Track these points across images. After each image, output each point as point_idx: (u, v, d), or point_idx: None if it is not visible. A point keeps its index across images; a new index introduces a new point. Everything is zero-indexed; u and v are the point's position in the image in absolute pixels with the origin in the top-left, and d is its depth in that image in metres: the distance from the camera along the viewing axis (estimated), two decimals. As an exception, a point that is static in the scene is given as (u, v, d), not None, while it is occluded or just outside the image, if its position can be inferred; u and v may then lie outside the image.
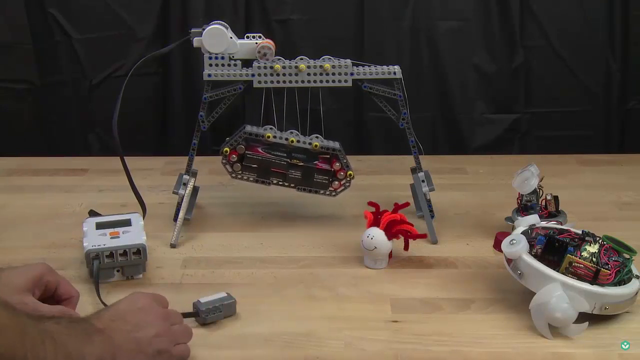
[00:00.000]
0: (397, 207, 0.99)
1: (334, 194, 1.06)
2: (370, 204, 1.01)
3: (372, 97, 1.03)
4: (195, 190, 1.10)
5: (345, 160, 1.03)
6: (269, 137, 1.02)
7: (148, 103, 1.46)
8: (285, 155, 1.04)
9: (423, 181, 1.06)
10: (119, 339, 0.71)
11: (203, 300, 0.85)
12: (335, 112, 1.41)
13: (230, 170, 1.04)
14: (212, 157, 1.31)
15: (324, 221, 1.12)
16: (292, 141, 1.02)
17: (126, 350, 0.71)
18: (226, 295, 0.87)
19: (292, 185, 1.05)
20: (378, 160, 1.36)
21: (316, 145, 1.02)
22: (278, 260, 1.00)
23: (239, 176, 1.04)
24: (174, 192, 1.07)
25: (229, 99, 1.02)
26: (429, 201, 1.07)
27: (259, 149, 1.04)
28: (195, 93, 1.39)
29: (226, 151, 1.02)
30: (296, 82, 1.01)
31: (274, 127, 1.03)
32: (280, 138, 1.02)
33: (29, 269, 0.80)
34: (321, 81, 1.01)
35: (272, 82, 1.01)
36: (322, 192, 1.05)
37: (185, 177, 1.06)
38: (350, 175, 1.04)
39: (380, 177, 1.28)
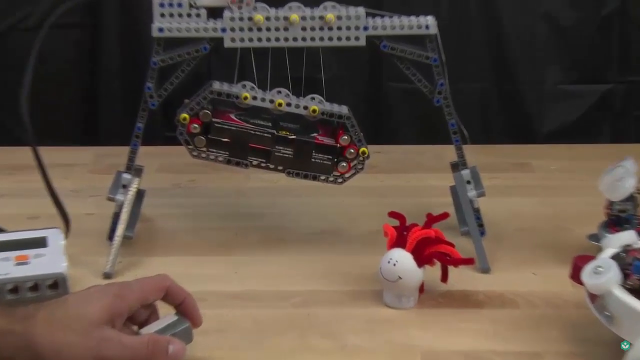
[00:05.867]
0: (431, 220, 1.00)
1: (340, 180, 1.07)
2: (393, 215, 1.02)
3: (394, 62, 1.05)
4: (139, 195, 1.11)
5: (356, 132, 1.05)
6: (246, 98, 1.03)
7: (70, 70, 1.48)
8: (269, 124, 1.04)
9: (469, 182, 1.08)
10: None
11: (144, 331, 0.87)
12: (341, 82, 1.43)
13: (190, 146, 1.04)
14: (165, 147, 1.34)
15: (326, 239, 1.14)
16: (280, 104, 1.03)
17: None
18: (176, 318, 0.89)
19: (279, 167, 1.06)
20: (403, 152, 1.38)
21: (315, 110, 1.03)
22: (260, 296, 1.02)
23: (203, 155, 1.05)
24: (108, 198, 1.08)
25: (189, 64, 1.04)
26: (477, 211, 1.09)
27: (232, 116, 1.04)
28: (140, 55, 1.41)
29: (184, 118, 1.03)
30: (286, 40, 1.02)
31: (253, 85, 1.04)
32: (263, 100, 1.03)
33: (100, 295, 0.86)
34: (321, 39, 1.03)
35: (251, 39, 1.02)
36: (322, 177, 1.06)
37: (126, 176, 1.08)
38: (363, 153, 1.05)
39: (406, 177, 1.30)
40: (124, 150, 1.08)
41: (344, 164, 1.06)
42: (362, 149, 1.05)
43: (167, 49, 1.04)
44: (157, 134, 1.42)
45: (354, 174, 1.07)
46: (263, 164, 1.06)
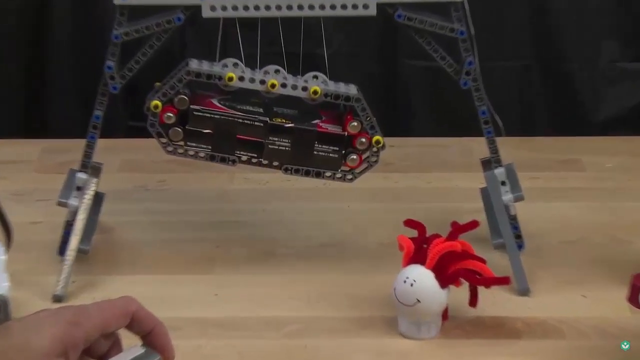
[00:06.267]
0: (457, 230, 1.00)
1: (349, 176, 1.07)
2: (410, 223, 1.02)
3: (412, 35, 1.04)
4: (97, 199, 1.11)
5: (367, 117, 1.04)
6: (231, 79, 1.03)
7: (12, 45, 1.48)
8: (261, 111, 1.05)
9: (504, 183, 1.08)
10: None
11: None
12: (346, 59, 1.43)
13: (164, 140, 1.05)
14: (129, 140, 1.34)
15: (327, 253, 1.14)
16: (273, 85, 1.03)
17: None
18: (143, 350, 0.86)
19: (274, 163, 1.06)
20: (421, 146, 1.38)
21: (316, 92, 1.03)
22: (246, 323, 1.02)
23: (180, 150, 1.05)
24: (59, 203, 1.08)
25: (159, 38, 1.03)
26: (513, 219, 1.08)
27: (215, 102, 1.05)
28: (98, 27, 1.41)
29: (156, 106, 1.03)
30: (278, 8, 1.02)
31: (240, 63, 1.03)
32: (252, 81, 1.03)
33: (51, 322, 0.83)
34: (322, 7, 1.02)
35: (235, 8, 1.02)
36: (328, 173, 1.06)
37: (81, 176, 1.07)
38: (377, 142, 1.05)
39: (426, 176, 1.30)
40: (79, 144, 1.07)
41: (354, 157, 1.05)
42: (376, 137, 1.05)
43: (132, 20, 1.03)
44: (119, 124, 1.42)
45: (366, 169, 1.07)
46: (255, 160, 1.06)
